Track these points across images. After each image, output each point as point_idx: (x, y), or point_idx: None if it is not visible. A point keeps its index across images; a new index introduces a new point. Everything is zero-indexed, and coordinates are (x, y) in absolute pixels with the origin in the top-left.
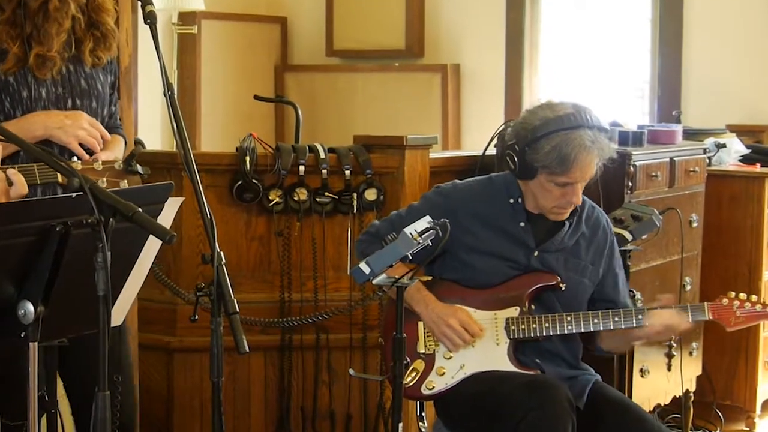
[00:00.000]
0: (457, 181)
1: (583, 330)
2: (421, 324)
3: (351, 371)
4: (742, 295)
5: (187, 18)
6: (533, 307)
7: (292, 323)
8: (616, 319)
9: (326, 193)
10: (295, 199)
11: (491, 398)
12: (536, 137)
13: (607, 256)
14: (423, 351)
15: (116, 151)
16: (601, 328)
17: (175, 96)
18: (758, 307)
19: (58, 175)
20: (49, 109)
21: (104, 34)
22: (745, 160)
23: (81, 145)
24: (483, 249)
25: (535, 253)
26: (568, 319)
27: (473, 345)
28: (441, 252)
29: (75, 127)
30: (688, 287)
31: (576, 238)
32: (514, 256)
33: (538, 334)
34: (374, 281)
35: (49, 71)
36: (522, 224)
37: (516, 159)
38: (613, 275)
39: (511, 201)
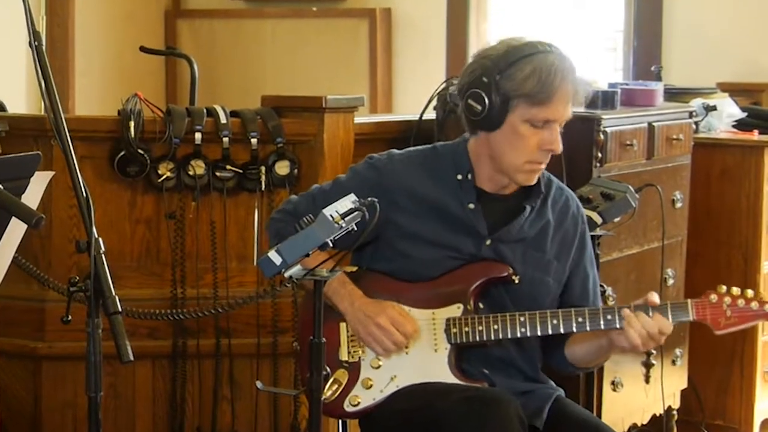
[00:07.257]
0: (395, 151)
1: (539, 333)
2: (344, 326)
3: (258, 384)
4: (735, 290)
5: None
6: (480, 305)
7: (181, 316)
8: (580, 320)
9: (228, 167)
10: (190, 173)
11: (427, 415)
12: (510, 62)
13: (576, 250)
14: (346, 359)
15: None
16: (561, 331)
17: (44, 48)
18: (754, 304)
19: None
20: None
21: None
22: (740, 125)
23: None
24: (422, 235)
25: (488, 242)
26: (521, 319)
27: (407, 352)
28: (373, 238)
29: None
30: (671, 281)
31: (539, 227)
32: (460, 245)
33: (485, 338)
34: (286, 273)
35: None
36: (471, 206)
37: (485, 97)
38: (581, 275)
39: (459, 177)
